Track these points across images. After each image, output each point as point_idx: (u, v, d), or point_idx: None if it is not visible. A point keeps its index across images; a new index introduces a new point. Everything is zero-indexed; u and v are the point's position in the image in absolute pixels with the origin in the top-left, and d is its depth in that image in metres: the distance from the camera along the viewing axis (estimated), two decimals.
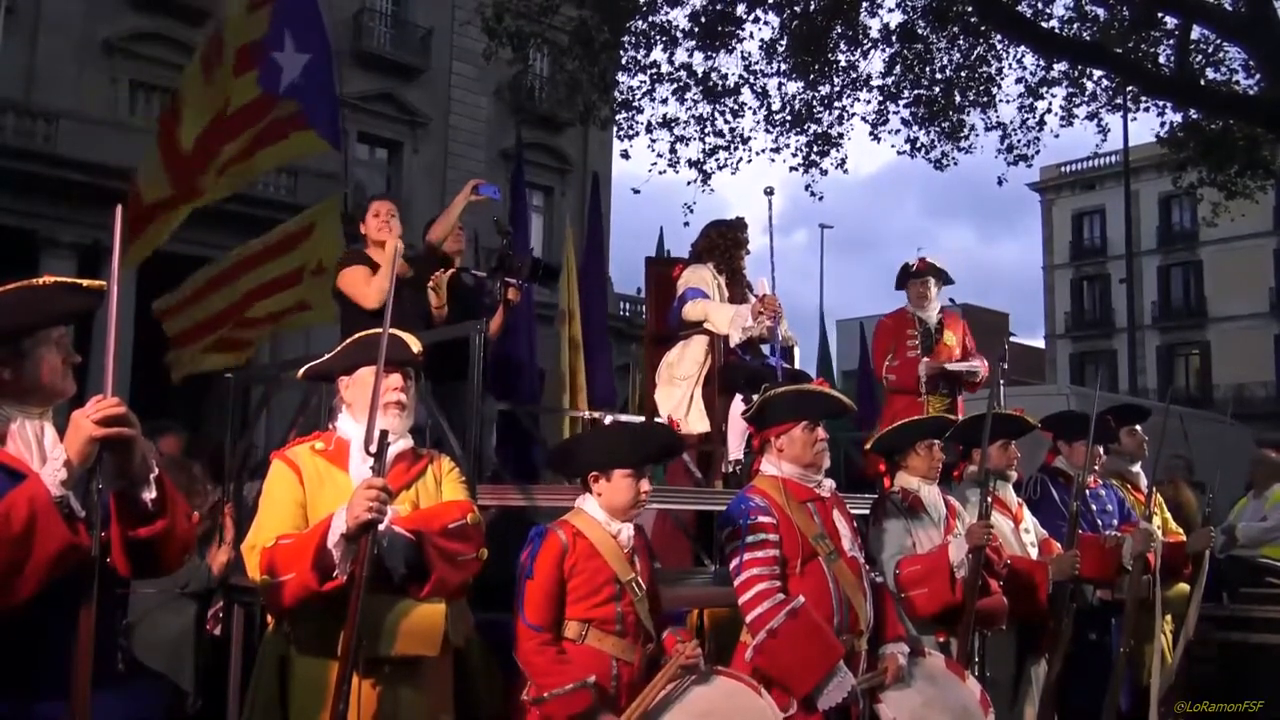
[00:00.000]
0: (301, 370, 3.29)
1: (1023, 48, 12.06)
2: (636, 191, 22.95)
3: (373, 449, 2.63)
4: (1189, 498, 6.20)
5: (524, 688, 3.11)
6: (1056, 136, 43.87)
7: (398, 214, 5.09)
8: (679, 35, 12.09)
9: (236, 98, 6.88)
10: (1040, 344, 40.28)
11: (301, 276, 7.70)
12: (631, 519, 3.24)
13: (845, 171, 13.27)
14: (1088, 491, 5.04)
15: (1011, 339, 31.67)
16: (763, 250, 5.27)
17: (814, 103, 12.69)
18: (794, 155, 13.04)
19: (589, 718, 2.98)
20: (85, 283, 2.25)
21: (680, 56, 12.35)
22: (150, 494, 2.19)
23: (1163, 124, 12.78)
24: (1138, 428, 5.80)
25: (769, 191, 5.17)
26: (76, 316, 2.35)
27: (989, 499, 4.02)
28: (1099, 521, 5.05)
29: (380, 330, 2.76)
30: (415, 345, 3.08)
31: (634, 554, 3.23)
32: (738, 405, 4.98)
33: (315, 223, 7.77)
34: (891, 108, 12.74)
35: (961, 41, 12.33)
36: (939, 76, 12.54)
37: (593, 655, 3.08)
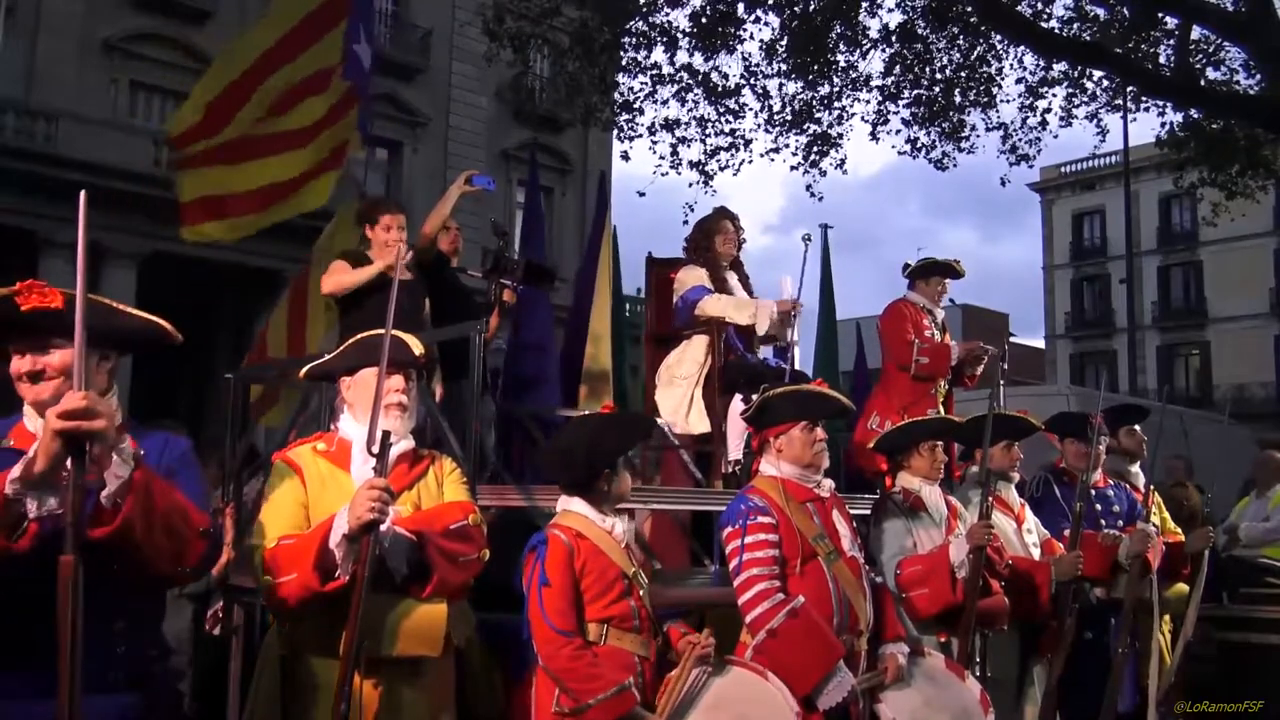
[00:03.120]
0: (303, 370, 3.30)
1: (1023, 48, 12.07)
2: (642, 194, 23.02)
3: (375, 450, 2.63)
4: (1197, 502, 6.14)
5: (525, 688, 3.11)
6: (1055, 137, 43.96)
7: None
8: (679, 36, 12.10)
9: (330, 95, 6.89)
10: (1040, 344, 40.30)
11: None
12: (623, 511, 3.24)
13: (844, 172, 13.31)
14: (1095, 491, 5.03)
15: (1011, 339, 31.64)
16: (778, 260, 5.28)
17: (814, 103, 12.71)
18: (794, 155, 13.08)
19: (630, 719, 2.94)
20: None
21: (681, 57, 12.39)
22: (106, 490, 2.10)
23: (1163, 124, 12.81)
24: (1137, 428, 5.79)
25: (807, 239, 5.15)
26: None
27: (990, 499, 4.03)
28: (1103, 521, 5.03)
29: (382, 331, 2.77)
30: (417, 347, 3.09)
31: (629, 548, 3.23)
32: (737, 405, 4.98)
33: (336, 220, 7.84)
34: (891, 108, 12.77)
35: (961, 41, 12.34)
36: (939, 77, 12.56)
37: (618, 655, 3.05)
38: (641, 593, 3.15)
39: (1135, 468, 5.70)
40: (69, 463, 2.01)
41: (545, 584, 3.00)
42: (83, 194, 2.00)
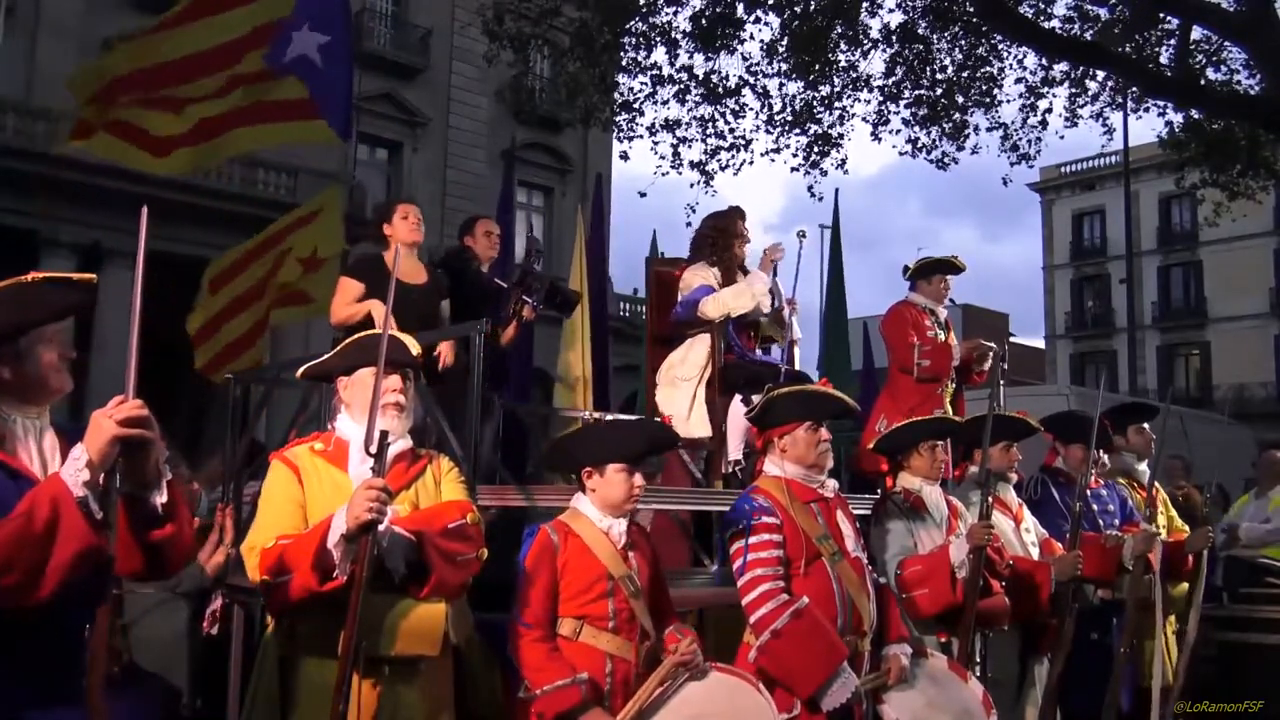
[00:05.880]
0: (300, 370, 3.29)
1: (1024, 48, 12.06)
2: (643, 194, 22.97)
3: (373, 449, 2.62)
4: (1199, 502, 6.13)
5: (521, 687, 3.10)
6: (1061, 138, 43.84)
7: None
8: (679, 37, 12.09)
9: (242, 67, 6.75)
10: (1040, 344, 40.29)
11: (283, 261, 7.66)
12: (625, 514, 3.25)
13: (845, 172, 13.28)
14: (1089, 491, 5.02)
15: (1011, 339, 31.62)
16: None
17: (814, 103, 12.69)
18: (794, 155, 13.06)
19: (579, 713, 2.98)
20: (75, 276, 2.24)
21: (681, 58, 12.36)
22: (161, 498, 2.20)
23: (1165, 124, 12.80)
24: (1145, 426, 5.76)
25: (801, 235, 5.17)
26: (71, 311, 2.33)
27: (989, 500, 4.02)
28: (1100, 521, 5.03)
29: (379, 331, 2.76)
30: (414, 347, 3.08)
31: (629, 550, 3.23)
32: (737, 405, 4.96)
33: (320, 210, 7.77)
34: (892, 108, 12.75)
35: (962, 41, 12.32)
36: (940, 77, 12.53)
37: (586, 652, 3.08)
38: (626, 595, 3.15)
39: (1143, 466, 5.68)
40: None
41: (521, 575, 3.12)
42: (144, 211, 2.11)
